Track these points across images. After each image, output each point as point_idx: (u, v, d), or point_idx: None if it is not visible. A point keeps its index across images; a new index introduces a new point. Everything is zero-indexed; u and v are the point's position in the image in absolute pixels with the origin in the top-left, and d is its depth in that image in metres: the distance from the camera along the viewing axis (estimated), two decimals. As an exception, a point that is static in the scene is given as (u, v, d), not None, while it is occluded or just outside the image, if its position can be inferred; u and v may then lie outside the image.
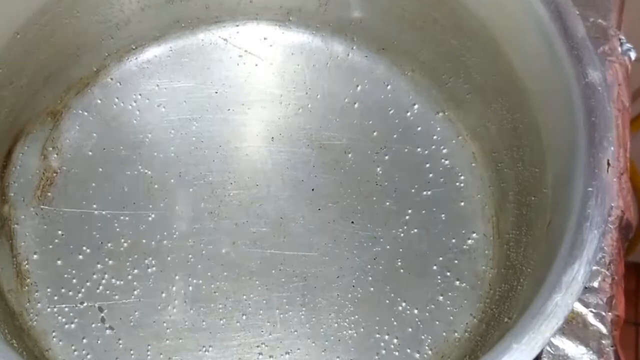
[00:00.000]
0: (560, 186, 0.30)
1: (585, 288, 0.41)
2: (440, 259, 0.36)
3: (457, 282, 0.35)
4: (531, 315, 0.26)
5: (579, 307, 0.39)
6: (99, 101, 0.38)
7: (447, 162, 0.37)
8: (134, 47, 0.38)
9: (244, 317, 0.33)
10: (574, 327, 0.39)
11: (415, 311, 0.34)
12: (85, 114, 0.37)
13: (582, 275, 0.26)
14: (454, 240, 0.36)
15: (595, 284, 0.40)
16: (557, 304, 0.26)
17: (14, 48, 0.33)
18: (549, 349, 0.38)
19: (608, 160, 0.28)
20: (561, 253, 0.27)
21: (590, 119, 0.29)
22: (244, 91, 0.38)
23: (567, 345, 0.38)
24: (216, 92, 0.38)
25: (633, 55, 0.48)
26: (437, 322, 0.34)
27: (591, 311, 0.39)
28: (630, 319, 1.13)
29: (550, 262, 0.28)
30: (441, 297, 0.35)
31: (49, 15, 0.34)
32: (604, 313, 0.39)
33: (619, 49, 0.49)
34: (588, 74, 0.30)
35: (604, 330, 0.39)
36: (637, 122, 0.94)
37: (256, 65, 0.40)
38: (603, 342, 0.38)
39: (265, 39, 0.40)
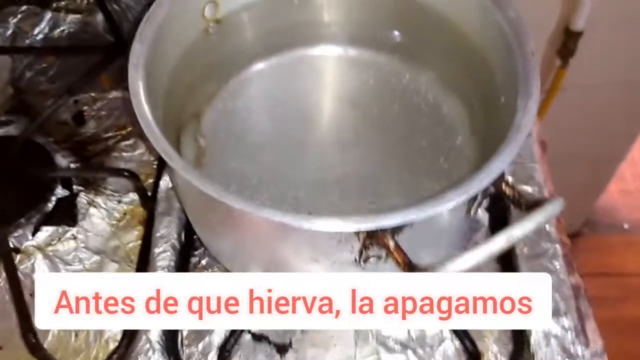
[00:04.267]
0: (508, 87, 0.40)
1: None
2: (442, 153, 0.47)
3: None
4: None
5: (527, 188, 0.51)
6: (221, 104, 0.49)
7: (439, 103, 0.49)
8: (239, 69, 0.50)
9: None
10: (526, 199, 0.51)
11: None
12: (214, 114, 0.49)
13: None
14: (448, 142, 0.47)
15: (533, 173, 0.51)
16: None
17: (176, 72, 0.44)
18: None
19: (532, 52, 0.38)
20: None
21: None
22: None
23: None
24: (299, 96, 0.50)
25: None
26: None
27: (534, 189, 0.50)
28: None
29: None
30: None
31: (188, 55, 0.45)
32: (542, 189, 0.51)
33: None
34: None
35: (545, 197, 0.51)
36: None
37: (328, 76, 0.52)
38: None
39: (338, 56, 0.51)
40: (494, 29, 0.41)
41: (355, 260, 0.36)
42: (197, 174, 0.34)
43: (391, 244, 0.33)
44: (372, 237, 0.34)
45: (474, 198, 0.37)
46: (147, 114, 0.35)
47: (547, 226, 0.50)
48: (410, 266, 0.32)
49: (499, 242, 0.30)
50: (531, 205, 0.35)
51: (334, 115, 0.50)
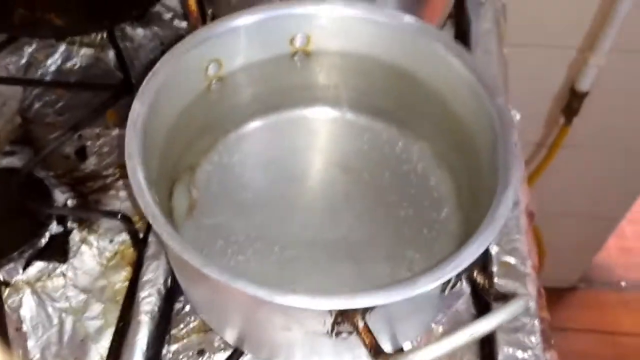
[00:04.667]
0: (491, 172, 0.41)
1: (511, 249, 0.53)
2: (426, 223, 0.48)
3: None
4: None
5: (511, 260, 0.52)
6: (216, 158, 0.50)
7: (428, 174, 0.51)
8: (237, 126, 0.52)
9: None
10: (509, 271, 0.51)
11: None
12: (210, 167, 0.50)
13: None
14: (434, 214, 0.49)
15: (518, 245, 0.52)
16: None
17: (175, 127, 0.45)
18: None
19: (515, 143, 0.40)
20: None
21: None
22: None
23: (506, 282, 0.50)
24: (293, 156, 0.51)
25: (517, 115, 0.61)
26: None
27: (517, 261, 0.51)
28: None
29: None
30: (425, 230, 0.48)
31: (187, 112, 0.46)
32: (525, 261, 0.51)
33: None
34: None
35: (527, 270, 0.51)
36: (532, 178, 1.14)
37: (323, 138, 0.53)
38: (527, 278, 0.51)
39: (334, 119, 0.53)
40: (483, 115, 0.43)
41: (327, 332, 0.37)
42: (179, 239, 0.35)
43: (360, 324, 0.34)
44: (343, 315, 0.35)
45: (447, 281, 0.38)
46: (140, 179, 0.36)
47: (530, 301, 0.50)
48: (376, 350, 0.33)
49: (461, 338, 0.31)
50: (499, 297, 0.36)
51: (325, 178, 0.51)
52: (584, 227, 1.32)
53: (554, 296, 1.37)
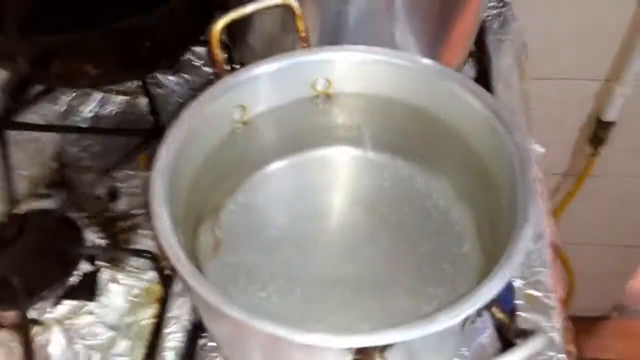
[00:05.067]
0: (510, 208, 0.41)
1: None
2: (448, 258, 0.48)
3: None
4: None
5: (535, 293, 0.52)
6: (241, 199, 0.51)
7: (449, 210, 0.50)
8: (260, 166, 0.53)
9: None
10: (533, 304, 0.51)
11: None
12: (234, 207, 0.50)
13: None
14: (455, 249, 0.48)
15: (542, 278, 0.53)
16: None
17: (198, 173, 0.46)
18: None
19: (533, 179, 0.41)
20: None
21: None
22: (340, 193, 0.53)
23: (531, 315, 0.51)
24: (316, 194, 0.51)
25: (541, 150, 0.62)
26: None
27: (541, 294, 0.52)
28: None
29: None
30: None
31: (213, 155, 0.48)
32: (550, 294, 0.52)
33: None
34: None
35: (552, 303, 0.52)
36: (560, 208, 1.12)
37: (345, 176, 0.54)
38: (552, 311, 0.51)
39: (356, 158, 0.53)
40: (502, 151, 0.43)
41: (348, 368, 0.37)
42: (199, 278, 0.36)
43: (379, 360, 0.34)
44: (362, 352, 0.35)
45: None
46: (164, 222, 0.38)
47: (555, 334, 0.50)
48: (395, 387, 0.33)
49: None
50: (519, 333, 0.36)
51: (347, 215, 0.52)
52: (615, 256, 1.29)
53: (586, 326, 1.34)
